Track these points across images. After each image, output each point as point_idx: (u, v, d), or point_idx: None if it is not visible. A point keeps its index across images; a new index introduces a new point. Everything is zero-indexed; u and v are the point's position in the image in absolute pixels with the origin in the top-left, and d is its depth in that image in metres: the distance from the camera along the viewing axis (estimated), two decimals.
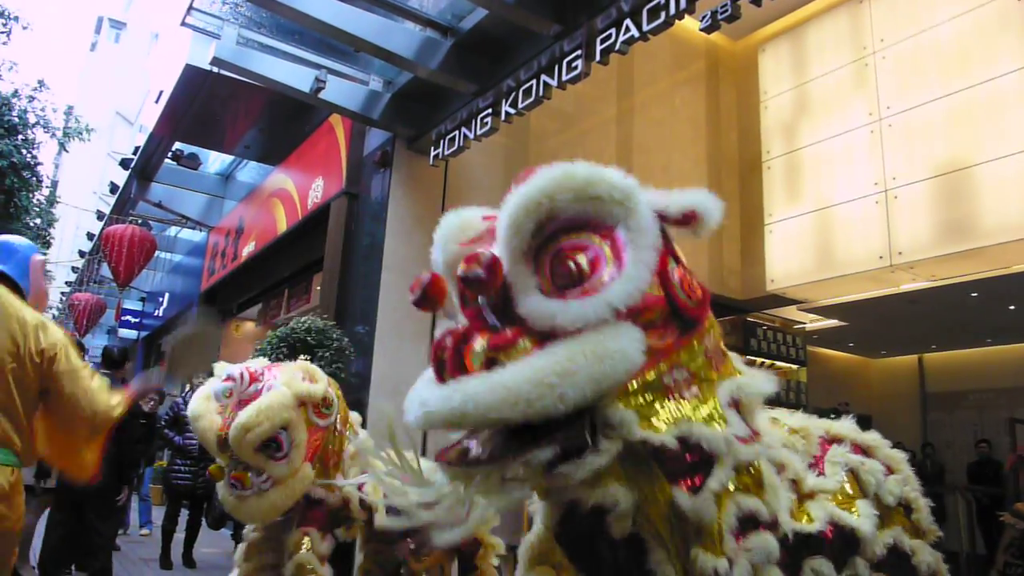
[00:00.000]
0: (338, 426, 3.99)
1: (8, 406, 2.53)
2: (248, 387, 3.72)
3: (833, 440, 2.30)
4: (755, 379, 1.82)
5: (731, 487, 1.69)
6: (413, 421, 1.50)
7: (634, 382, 1.57)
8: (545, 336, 1.50)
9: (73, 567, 5.88)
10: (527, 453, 1.49)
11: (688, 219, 1.72)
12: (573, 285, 1.54)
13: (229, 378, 3.78)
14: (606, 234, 1.59)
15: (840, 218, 8.41)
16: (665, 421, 1.59)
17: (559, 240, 1.57)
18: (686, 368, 1.66)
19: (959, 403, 12.28)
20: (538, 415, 1.41)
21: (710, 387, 1.70)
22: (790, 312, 10.38)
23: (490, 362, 1.49)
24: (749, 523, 1.70)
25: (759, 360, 10.57)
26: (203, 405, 3.87)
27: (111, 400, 2.76)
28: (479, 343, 1.51)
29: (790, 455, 2.03)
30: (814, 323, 10.89)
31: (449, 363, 1.50)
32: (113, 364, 5.97)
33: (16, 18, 15.09)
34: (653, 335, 1.59)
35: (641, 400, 1.57)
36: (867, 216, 8.08)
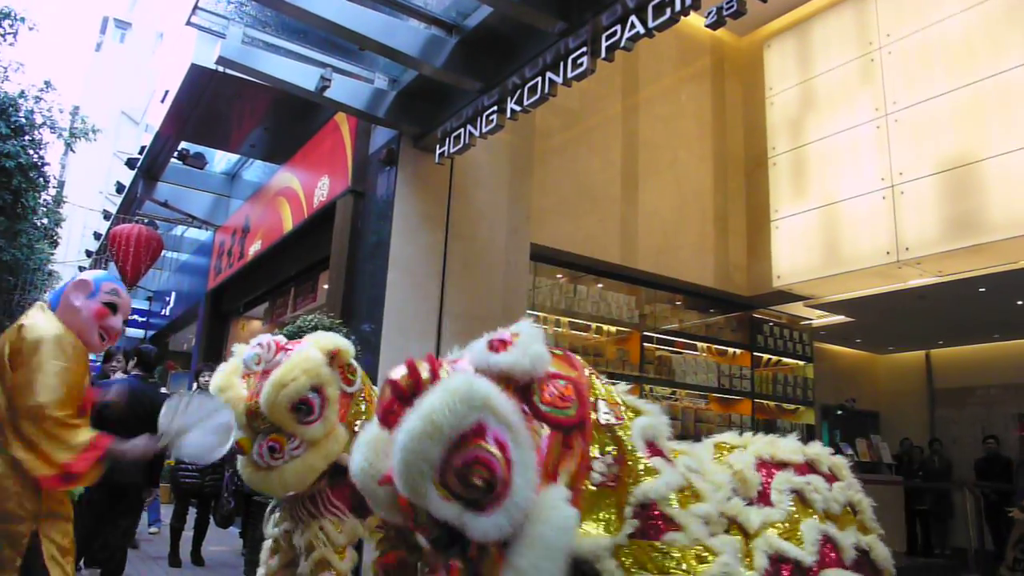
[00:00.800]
0: (363, 395, 3.96)
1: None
2: (275, 356, 3.74)
3: (777, 465, 2.45)
4: (654, 417, 2.12)
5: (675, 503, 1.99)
6: None
7: (588, 498, 1.87)
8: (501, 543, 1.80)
9: (82, 563, 5.92)
10: None
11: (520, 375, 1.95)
12: (487, 490, 1.76)
13: (258, 345, 3.81)
14: (482, 435, 1.79)
15: (846, 214, 8.40)
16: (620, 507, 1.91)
17: (452, 462, 1.77)
18: (603, 456, 1.95)
19: (967, 399, 12.25)
20: None
21: (635, 459, 1.98)
22: (797, 308, 10.37)
23: None
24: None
25: (765, 356, 10.57)
26: (229, 378, 3.84)
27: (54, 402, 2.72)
28: (458, 568, 1.84)
29: (736, 502, 2.22)
30: (821, 319, 10.87)
31: None
32: (148, 367, 6.03)
33: (22, 19, 15.11)
34: (567, 461, 1.88)
35: (592, 515, 1.88)
36: (874, 212, 8.06)
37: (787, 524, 2.25)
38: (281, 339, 3.91)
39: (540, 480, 1.81)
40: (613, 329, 9.31)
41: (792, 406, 10.64)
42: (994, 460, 10.45)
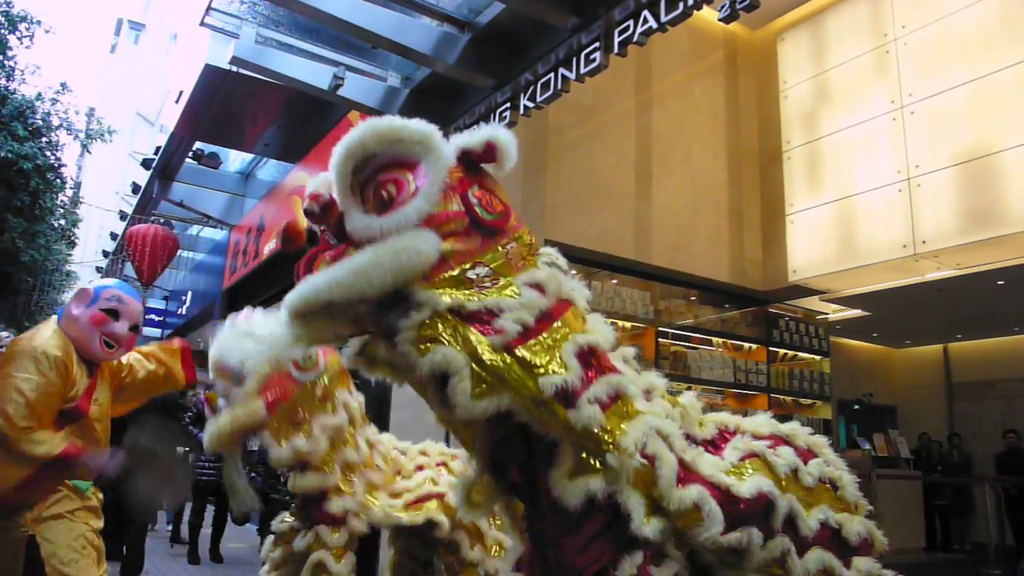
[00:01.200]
0: (318, 393, 4.00)
1: None
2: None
3: (737, 432, 2.43)
4: (598, 329, 2.18)
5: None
6: (286, 309, 2.00)
7: (442, 276, 1.99)
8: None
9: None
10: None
11: (490, 152, 2.12)
12: (386, 208, 2.01)
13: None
14: (411, 168, 2.06)
15: (862, 207, 8.34)
16: (466, 297, 1.99)
17: (378, 176, 2.06)
18: (487, 266, 2.07)
19: (986, 393, 12.14)
20: (356, 295, 1.92)
21: (507, 282, 2.07)
22: (812, 303, 10.31)
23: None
24: (590, 358, 2.06)
25: (781, 351, 10.52)
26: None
27: (18, 426, 2.73)
28: (325, 257, 2.04)
29: (669, 424, 2.19)
30: (837, 313, 10.81)
31: (302, 270, 2.07)
32: None
33: (39, 22, 15.24)
34: (455, 240, 2.02)
35: (446, 288, 1.99)
36: (890, 205, 8.00)
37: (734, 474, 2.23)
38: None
39: (425, 224, 1.98)
40: (628, 325, 9.29)
41: (809, 401, 10.58)
42: (1015, 454, 10.35)
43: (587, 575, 2.03)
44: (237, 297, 13.20)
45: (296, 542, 3.99)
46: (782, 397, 10.33)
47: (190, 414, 7.84)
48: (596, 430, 1.96)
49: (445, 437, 6.32)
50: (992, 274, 8.16)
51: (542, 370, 1.95)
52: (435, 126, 2.14)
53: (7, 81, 15.01)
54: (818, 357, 10.92)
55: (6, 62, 14.93)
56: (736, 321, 10.27)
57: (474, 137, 2.14)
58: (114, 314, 3.05)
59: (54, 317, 3.09)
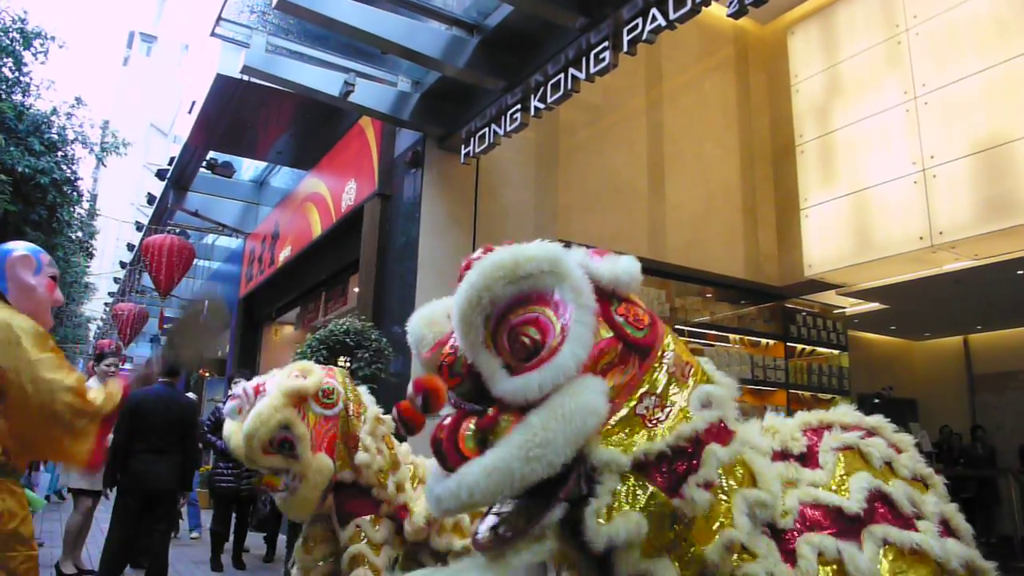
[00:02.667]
0: (351, 411, 4.01)
1: None
2: (255, 400, 3.81)
3: (827, 428, 2.26)
4: (722, 384, 1.94)
5: (731, 483, 1.84)
6: (436, 514, 1.77)
7: (611, 421, 1.74)
8: (522, 408, 1.68)
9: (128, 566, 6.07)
10: (542, 519, 1.68)
11: (614, 288, 1.87)
12: (530, 357, 1.70)
13: (233, 397, 3.99)
14: (547, 302, 1.76)
15: (877, 200, 8.28)
16: (643, 446, 1.74)
17: (509, 318, 1.75)
18: (653, 394, 1.81)
19: (1008, 384, 12.01)
20: (533, 482, 1.62)
21: (682, 411, 1.82)
22: (829, 297, 10.25)
23: (482, 442, 1.70)
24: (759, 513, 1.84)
25: (799, 346, 10.46)
26: (231, 426, 3.98)
27: (85, 393, 2.60)
28: (468, 428, 1.72)
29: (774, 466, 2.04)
30: (854, 307, 10.74)
31: (448, 455, 1.71)
32: (171, 372, 6.13)
33: (53, 37, 15.39)
34: (615, 374, 1.78)
35: (621, 435, 1.74)
36: (905, 196, 7.94)
37: (833, 488, 2.05)
38: (262, 379, 3.96)
39: (585, 367, 1.71)
40: None
41: (828, 396, 10.52)
42: None
43: None
44: (253, 305, 13.28)
45: (341, 533, 3.99)
46: (800, 393, 10.28)
47: (209, 422, 7.90)
48: None
49: None
50: (1011, 264, 8.08)
51: (716, 527, 1.76)
52: (557, 245, 1.84)
53: (23, 97, 15.15)
54: (836, 351, 10.85)
55: (22, 78, 15.08)
56: (753, 317, 10.22)
57: (601, 267, 1.87)
58: (55, 280, 2.85)
59: None
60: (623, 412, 1.76)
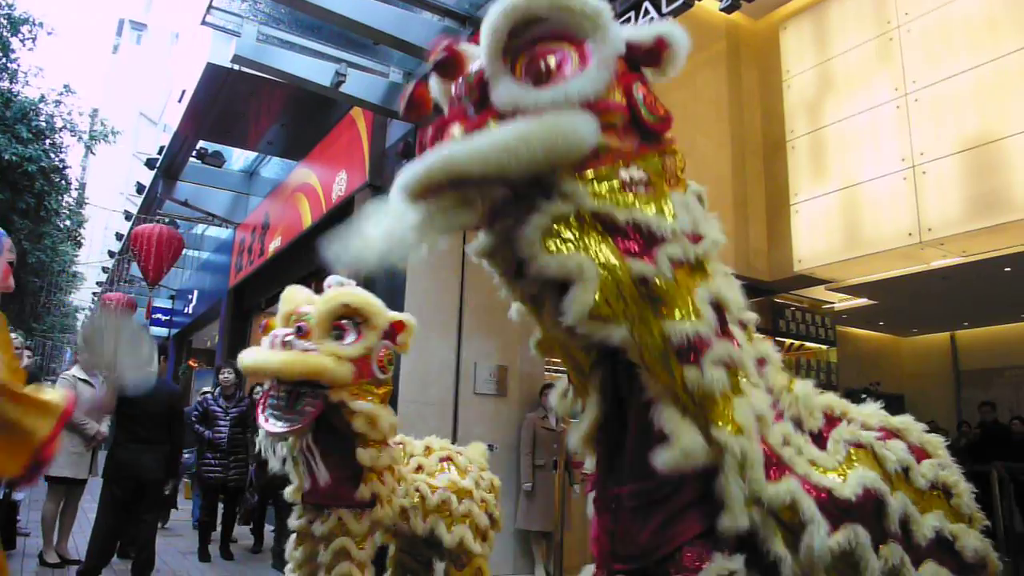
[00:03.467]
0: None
1: None
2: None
3: (845, 419, 2.19)
4: (733, 289, 1.99)
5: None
6: (404, 187, 1.70)
7: (590, 171, 1.76)
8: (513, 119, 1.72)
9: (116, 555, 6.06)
10: (501, 220, 1.79)
11: (659, 48, 1.88)
12: (542, 81, 1.75)
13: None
14: (577, 44, 1.78)
15: (867, 196, 8.31)
16: (616, 203, 1.77)
17: (536, 47, 1.78)
18: (643, 170, 1.84)
19: (994, 380, 12.10)
20: (497, 171, 1.63)
21: (662, 193, 1.86)
22: (818, 292, 10.29)
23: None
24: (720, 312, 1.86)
25: (788, 341, 10.50)
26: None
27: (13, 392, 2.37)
28: (457, 128, 1.76)
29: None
30: (843, 302, 10.78)
31: (431, 142, 1.78)
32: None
33: (41, 24, 15.27)
34: (612, 135, 1.79)
35: (595, 186, 1.76)
36: (895, 193, 7.97)
37: (838, 473, 1.97)
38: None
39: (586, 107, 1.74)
40: None
41: (816, 391, 10.57)
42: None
43: (654, 557, 1.81)
44: (243, 295, 13.23)
45: (315, 528, 3.95)
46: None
47: (196, 412, 7.88)
48: (718, 396, 1.75)
49: (452, 433, 6.35)
50: (999, 261, 8.13)
51: (672, 314, 1.75)
52: (607, 4, 1.85)
53: (10, 84, 15.04)
54: (825, 347, 10.91)
55: (9, 65, 14.98)
56: None
57: (643, 31, 1.90)
58: (12, 266, 2.71)
59: None
60: (605, 170, 1.78)
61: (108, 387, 3.05)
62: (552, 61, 1.76)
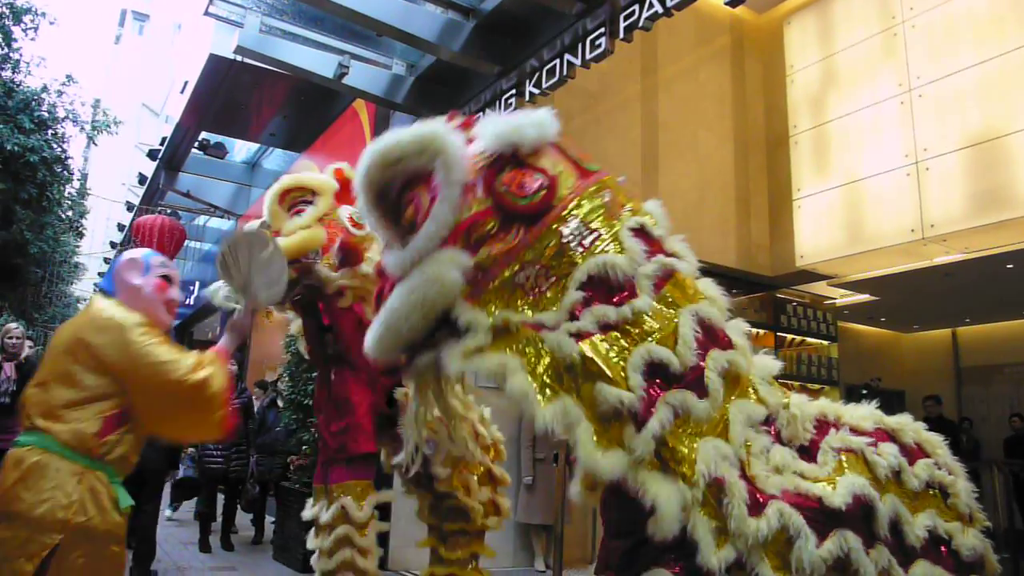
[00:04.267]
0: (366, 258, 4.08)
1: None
2: None
3: (837, 425, 2.16)
4: (715, 302, 2.03)
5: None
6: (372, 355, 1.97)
7: (487, 289, 1.84)
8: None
9: None
10: (419, 359, 1.95)
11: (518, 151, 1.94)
12: (413, 233, 1.88)
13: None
14: (426, 182, 1.88)
15: (870, 191, 8.30)
16: (514, 309, 1.84)
17: (402, 199, 1.94)
18: (536, 264, 1.86)
19: (994, 377, 12.10)
20: (402, 343, 1.88)
21: (568, 269, 1.87)
22: (820, 288, 10.28)
23: None
24: (660, 373, 1.81)
25: (789, 337, 10.50)
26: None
27: (181, 368, 2.65)
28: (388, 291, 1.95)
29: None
30: (844, 298, 10.77)
31: (374, 305, 2.01)
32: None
33: (43, 14, 15.25)
34: (493, 242, 1.84)
35: (494, 304, 1.83)
36: (898, 189, 7.96)
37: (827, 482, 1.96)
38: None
39: (449, 241, 1.84)
40: None
41: (817, 386, 10.57)
42: (1023, 438, 10.32)
43: None
44: None
45: (322, 516, 3.95)
46: (790, 383, 10.32)
47: None
48: (659, 456, 1.75)
49: None
50: (1001, 258, 8.11)
51: (604, 377, 1.76)
52: (439, 121, 1.94)
53: (13, 74, 15.03)
54: (826, 342, 10.90)
55: (11, 55, 14.96)
56: (743, 307, 10.24)
57: (492, 131, 1.94)
58: (168, 280, 2.96)
59: (97, 298, 2.90)
60: (497, 283, 1.84)
61: (244, 307, 3.12)
62: (410, 213, 1.90)
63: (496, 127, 1.95)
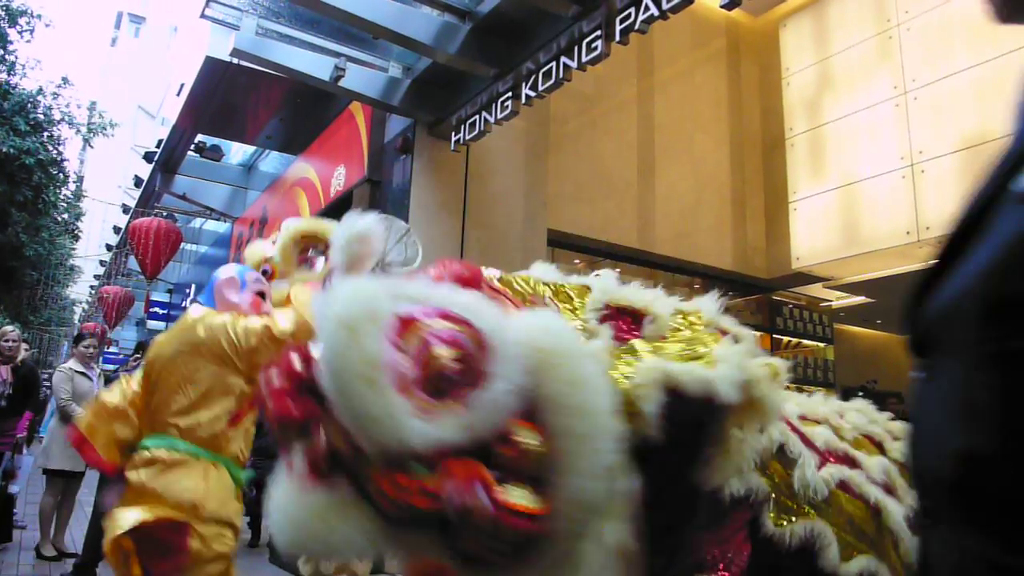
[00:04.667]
0: None
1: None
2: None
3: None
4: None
5: None
6: None
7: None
8: None
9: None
10: None
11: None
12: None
13: None
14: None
15: (866, 194, 8.32)
16: None
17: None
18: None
19: None
20: None
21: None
22: (816, 290, 10.31)
23: None
24: None
25: (785, 339, 10.52)
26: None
27: (274, 324, 2.88)
28: None
29: None
30: (840, 300, 10.80)
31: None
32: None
33: (39, 16, 15.22)
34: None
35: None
36: (893, 191, 7.98)
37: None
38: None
39: None
40: None
41: (812, 388, 10.57)
42: None
43: None
44: None
45: None
46: (786, 385, 10.33)
47: None
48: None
49: None
50: None
51: None
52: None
53: (8, 76, 15.00)
54: (822, 344, 10.93)
55: (7, 56, 14.93)
56: (740, 309, 10.26)
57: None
58: (263, 296, 3.12)
59: (195, 307, 3.12)
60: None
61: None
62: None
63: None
